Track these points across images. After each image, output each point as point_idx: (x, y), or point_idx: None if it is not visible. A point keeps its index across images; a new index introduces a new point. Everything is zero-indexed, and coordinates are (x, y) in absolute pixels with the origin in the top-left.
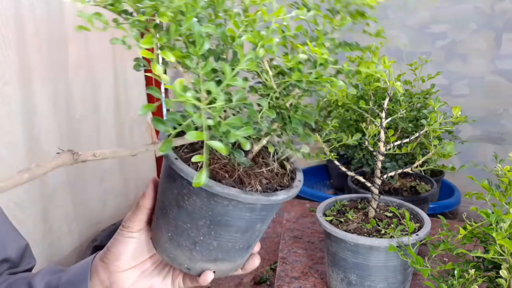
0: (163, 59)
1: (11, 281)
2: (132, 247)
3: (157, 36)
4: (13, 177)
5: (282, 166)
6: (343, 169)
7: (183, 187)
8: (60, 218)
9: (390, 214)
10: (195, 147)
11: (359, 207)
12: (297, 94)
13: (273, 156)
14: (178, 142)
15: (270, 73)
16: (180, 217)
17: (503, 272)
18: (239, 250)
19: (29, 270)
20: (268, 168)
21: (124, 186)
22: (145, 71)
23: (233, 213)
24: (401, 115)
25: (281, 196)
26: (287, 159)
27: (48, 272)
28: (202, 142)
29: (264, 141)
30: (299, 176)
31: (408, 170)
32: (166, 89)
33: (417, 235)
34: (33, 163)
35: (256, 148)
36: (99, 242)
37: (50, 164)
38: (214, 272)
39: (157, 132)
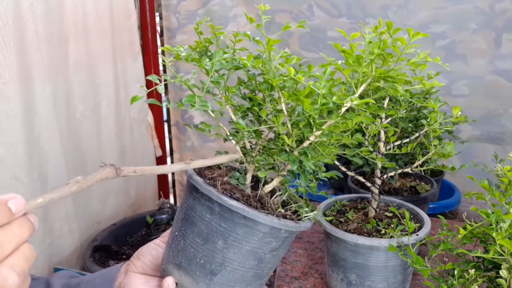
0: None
1: None
2: (154, 254)
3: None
4: (62, 189)
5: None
6: (343, 169)
7: (189, 185)
8: (61, 218)
9: (390, 214)
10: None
11: (359, 207)
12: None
13: (275, 197)
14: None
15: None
16: (176, 214)
17: (503, 272)
18: (200, 267)
19: None
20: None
21: (124, 185)
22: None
23: (197, 207)
24: (401, 115)
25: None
26: (288, 206)
27: (64, 275)
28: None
29: (274, 183)
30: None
31: (408, 170)
32: (166, 88)
33: (417, 235)
34: (78, 176)
35: (266, 186)
36: (99, 242)
37: (95, 178)
38: (176, 284)
39: (157, 131)
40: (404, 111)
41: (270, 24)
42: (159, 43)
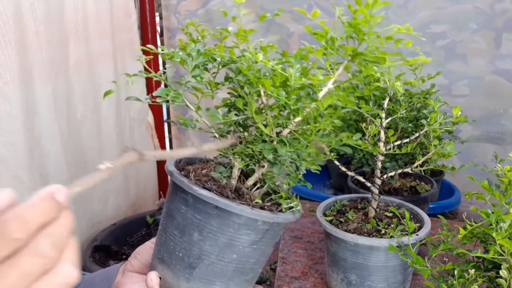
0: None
1: None
2: (150, 253)
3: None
4: (94, 176)
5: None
6: (343, 169)
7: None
8: None
9: (390, 214)
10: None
11: (359, 207)
12: (295, 122)
13: (255, 189)
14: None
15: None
16: (162, 210)
17: (503, 272)
18: (179, 260)
19: None
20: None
21: (125, 185)
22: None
23: (175, 200)
24: (401, 115)
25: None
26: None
27: None
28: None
29: (256, 175)
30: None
31: (408, 170)
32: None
33: (417, 235)
34: (107, 162)
35: (249, 179)
36: (99, 242)
37: (120, 162)
38: (160, 278)
39: (158, 131)
40: (404, 111)
41: (270, 24)
42: (159, 43)
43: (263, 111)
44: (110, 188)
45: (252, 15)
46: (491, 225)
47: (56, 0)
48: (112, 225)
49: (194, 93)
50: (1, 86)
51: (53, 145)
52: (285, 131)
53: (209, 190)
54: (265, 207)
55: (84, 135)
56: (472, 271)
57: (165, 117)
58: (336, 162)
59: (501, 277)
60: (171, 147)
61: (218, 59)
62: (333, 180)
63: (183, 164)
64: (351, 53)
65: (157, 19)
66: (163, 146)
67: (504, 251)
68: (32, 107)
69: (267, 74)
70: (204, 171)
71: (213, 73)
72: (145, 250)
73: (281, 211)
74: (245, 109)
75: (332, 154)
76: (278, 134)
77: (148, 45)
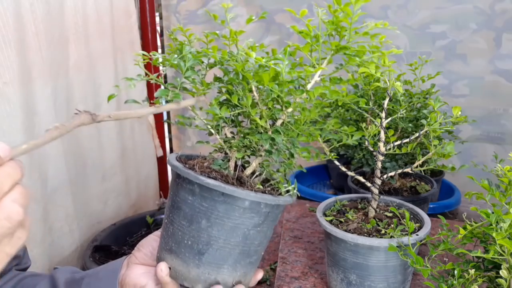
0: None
1: (20, 277)
2: (154, 245)
3: None
4: (44, 135)
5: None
6: (343, 169)
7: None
8: (61, 218)
9: (390, 214)
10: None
11: (359, 207)
12: (287, 112)
13: (255, 176)
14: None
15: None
16: (166, 204)
17: (503, 272)
18: (188, 248)
19: (25, 269)
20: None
21: (125, 185)
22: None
23: (180, 192)
24: (401, 115)
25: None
26: (269, 183)
27: (67, 271)
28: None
29: (254, 164)
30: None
31: (408, 170)
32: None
33: (417, 235)
34: (56, 123)
35: (247, 169)
36: (99, 242)
37: (72, 124)
38: (170, 268)
39: (158, 131)
40: (404, 111)
41: (270, 24)
42: (159, 43)
43: (257, 105)
44: (111, 188)
45: (252, 14)
46: (491, 225)
47: (56, 0)
48: (112, 225)
49: (192, 92)
50: (1, 86)
51: (53, 145)
52: (278, 122)
53: (215, 179)
54: (266, 192)
55: (84, 136)
56: (472, 271)
57: (165, 118)
58: (336, 162)
59: (501, 277)
60: (171, 147)
61: (206, 61)
62: (333, 180)
63: (184, 159)
64: (335, 48)
65: (157, 19)
66: (163, 146)
67: (504, 251)
68: (32, 107)
69: (259, 72)
70: (205, 164)
71: (202, 75)
72: (148, 242)
73: (280, 195)
74: (240, 104)
75: (332, 154)
76: (271, 125)
77: (142, 52)
